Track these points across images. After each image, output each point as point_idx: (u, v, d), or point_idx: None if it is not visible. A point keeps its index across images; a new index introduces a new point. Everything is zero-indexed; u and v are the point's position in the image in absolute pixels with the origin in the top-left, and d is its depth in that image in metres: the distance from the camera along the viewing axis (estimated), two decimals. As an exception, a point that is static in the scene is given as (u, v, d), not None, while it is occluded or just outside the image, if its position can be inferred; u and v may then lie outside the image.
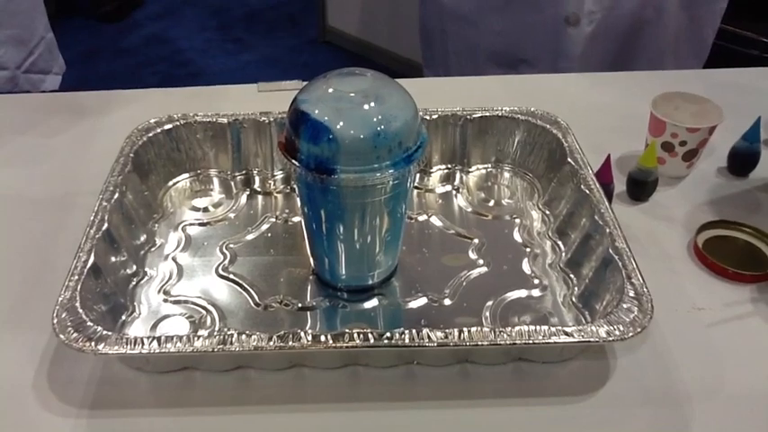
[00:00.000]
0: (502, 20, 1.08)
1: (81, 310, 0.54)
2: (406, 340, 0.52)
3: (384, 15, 2.45)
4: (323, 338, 0.52)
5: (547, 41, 1.06)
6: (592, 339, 0.52)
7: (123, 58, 2.69)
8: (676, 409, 0.54)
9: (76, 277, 0.56)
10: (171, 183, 0.75)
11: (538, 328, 0.52)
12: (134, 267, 0.64)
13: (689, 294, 0.63)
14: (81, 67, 2.56)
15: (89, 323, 0.53)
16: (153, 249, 0.67)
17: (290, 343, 0.51)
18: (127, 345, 0.51)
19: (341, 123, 0.52)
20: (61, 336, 0.52)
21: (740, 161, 0.77)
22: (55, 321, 0.53)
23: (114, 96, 0.93)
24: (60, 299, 0.54)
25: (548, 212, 0.71)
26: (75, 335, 0.52)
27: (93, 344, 0.51)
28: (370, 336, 0.52)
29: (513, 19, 1.07)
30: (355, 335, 0.52)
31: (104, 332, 0.52)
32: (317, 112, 0.53)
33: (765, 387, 0.56)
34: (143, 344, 0.51)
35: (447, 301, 0.62)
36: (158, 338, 0.52)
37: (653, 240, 0.69)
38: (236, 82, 0.94)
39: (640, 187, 0.73)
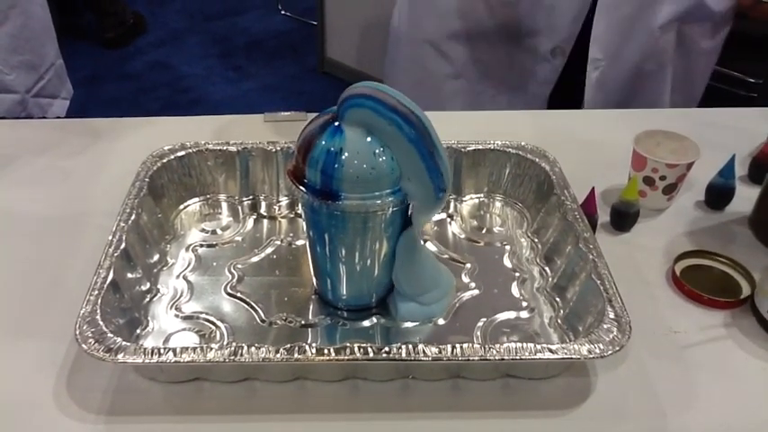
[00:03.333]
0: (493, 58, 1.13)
1: (101, 323, 0.58)
2: (403, 354, 0.56)
3: (379, 48, 2.52)
4: (326, 351, 0.56)
5: (526, 70, 1.10)
6: (574, 356, 0.56)
7: (126, 83, 2.74)
8: (652, 424, 0.58)
9: (97, 292, 0.60)
10: (182, 206, 0.79)
11: (525, 345, 0.57)
12: (148, 284, 0.68)
13: (666, 318, 0.68)
14: (84, 91, 2.61)
15: (109, 334, 0.57)
16: (165, 268, 0.72)
17: (296, 355, 0.56)
18: (144, 355, 0.55)
19: (346, 154, 0.57)
20: (83, 345, 0.56)
21: (716, 196, 0.82)
22: (77, 333, 0.57)
23: (126, 123, 0.98)
24: (82, 312, 0.58)
25: (536, 240, 0.75)
26: (96, 345, 0.56)
27: (113, 354, 0.55)
28: (369, 350, 0.56)
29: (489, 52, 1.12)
30: (356, 348, 0.56)
31: (123, 343, 0.56)
32: (324, 142, 0.58)
33: (736, 405, 0.60)
34: (159, 354, 0.55)
35: (441, 321, 0.66)
36: (174, 349, 0.56)
37: (634, 268, 0.73)
38: (237, 109, 0.98)
39: (623, 218, 0.77)
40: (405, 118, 0.56)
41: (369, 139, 0.58)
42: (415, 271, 0.65)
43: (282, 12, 3.19)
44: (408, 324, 0.66)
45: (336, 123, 0.59)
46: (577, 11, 1.02)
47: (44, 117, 1.22)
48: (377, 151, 0.58)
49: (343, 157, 0.57)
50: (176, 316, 0.66)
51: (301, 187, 0.60)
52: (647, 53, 1.07)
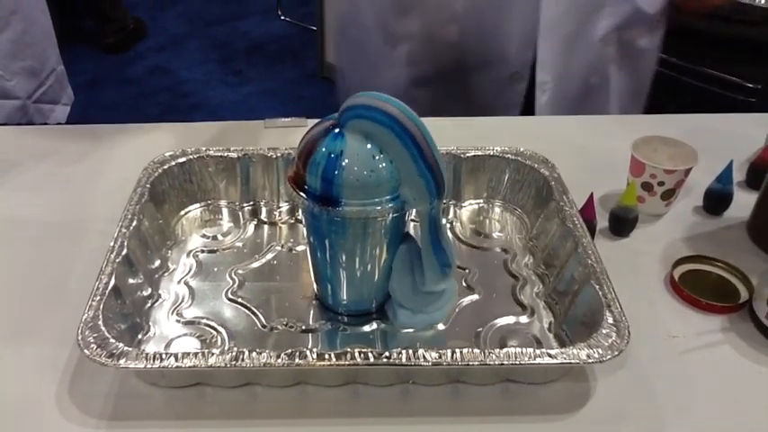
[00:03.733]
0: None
1: (103, 328, 0.58)
2: (403, 359, 0.56)
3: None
4: (327, 356, 0.56)
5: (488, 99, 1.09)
6: (573, 361, 0.57)
7: (126, 88, 2.76)
8: (651, 428, 0.59)
9: (99, 297, 0.61)
10: (183, 212, 0.79)
11: (524, 350, 0.57)
12: (149, 290, 0.69)
13: (665, 323, 0.68)
14: (84, 96, 2.61)
15: (111, 340, 0.57)
16: (166, 274, 0.72)
17: (297, 360, 0.56)
18: (146, 360, 0.56)
19: (346, 160, 0.58)
20: (86, 351, 0.56)
21: (714, 201, 0.82)
22: (79, 338, 0.57)
23: (127, 129, 0.98)
24: (84, 317, 0.59)
25: (535, 245, 0.76)
26: (98, 350, 0.56)
27: (114, 359, 0.56)
28: (370, 355, 0.57)
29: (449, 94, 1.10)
30: (356, 354, 0.57)
31: (125, 348, 0.57)
32: (324, 149, 0.59)
33: (734, 409, 0.60)
34: (161, 359, 0.56)
35: (441, 326, 0.67)
36: (175, 354, 0.56)
37: (632, 273, 0.74)
38: (237, 114, 1.00)
39: (621, 224, 0.78)
40: (403, 127, 0.56)
41: (369, 145, 0.58)
42: (412, 286, 0.65)
43: (282, 17, 3.21)
44: (408, 329, 0.66)
45: (337, 130, 0.59)
46: (526, 37, 1.01)
47: (45, 123, 1.23)
48: (377, 157, 0.58)
49: (344, 163, 0.58)
50: (177, 321, 0.67)
51: (302, 193, 0.61)
52: (591, 67, 1.07)
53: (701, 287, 0.71)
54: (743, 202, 0.82)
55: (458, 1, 1.00)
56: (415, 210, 0.62)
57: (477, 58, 1.05)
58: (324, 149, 0.59)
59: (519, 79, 1.05)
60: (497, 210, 0.82)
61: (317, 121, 0.62)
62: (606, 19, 1.03)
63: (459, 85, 1.09)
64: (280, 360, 0.56)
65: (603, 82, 1.09)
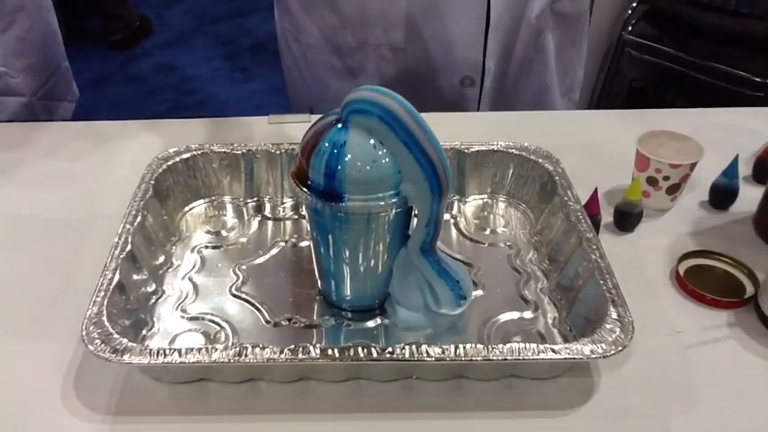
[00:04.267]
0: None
1: (107, 324, 0.58)
2: (407, 355, 0.56)
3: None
4: (330, 352, 0.56)
5: (444, 105, 1.07)
6: (577, 356, 0.57)
7: (132, 85, 2.76)
8: (656, 424, 0.59)
9: (103, 293, 0.61)
10: (187, 208, 0.80)
11: (527, 345, 0.57)
12: (154, 286, 0.69)
13: (669, 318, 0.68)
14: (91, 93, 2.63)
15: (115, 335, 0.57)
16: (171, 270, 0.72)
17: (301, 356, 0.56)
18: (150, 355, 0.56)
19: (349, 156, 0.58)
20: (90, 346, 0.56)
21: (720, 196, 0.82)
22: (84, 334, 0.57)
23: (132, 126, 0.98)
24: (88, 313, 0.59)
25: (539, 241, 0.76)
26: (102, 346, 0.56)
27: (119, 354, 0.56)
28: (373, 350, 0.57)
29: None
30: (360, 349, 0.57)
31: (129, 344, 0.57)
32: (327, 144, 0.59)
33: (738, 405, 0.60)
34: (165, 355, 0.56)
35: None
36: (179, 350, 0.56)
37: (637, 268, 0.73)
38: (243, 110, 0.99)
39: (626, 218, 0.78)
40: (401, 123, 0.56)
41: (372, 140, 0.58)
42: (424, 305, 0.65)
43: (288, 13, 3.20)
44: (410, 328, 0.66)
45: (340, 125, 0.59)
46: (473, 39, 1.00)
47: (50, 120, 1.23)
48: (380, 153, 0.58)
49: (347, 158, 0.58)
50: (182, 317, 0.67)
51: (305, 189, 0.60)
52: (529, 45, 1.05)
53: (706, 282, 0.71)
54: (749, 197, 0.81)
55: (400, 7, 0.98)
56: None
57: (421, 70, 1.04)
58: (326, 144, 0.58)
59: (470, 84, 1.04)
60: (501, 205, 0.81)
61: (320, 116, 0.62)
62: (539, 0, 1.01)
63: (411, 95, 1.07)
64: (283, 356, 0.56)
65: (540, 53, 1.07)
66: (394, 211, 0.61)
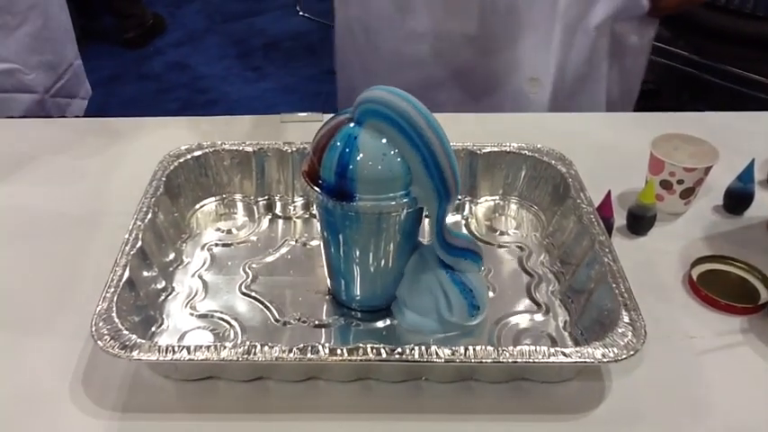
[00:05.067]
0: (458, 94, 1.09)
1: (117, 320, 0.58)
2: (416, 356, 0.56)
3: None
4: (339, 352, 0.56)
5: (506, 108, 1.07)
6: (588, 360, 0.56)
7: (145, 83, 2.77)
8: (666, 430, 0.58)
9: (113, 289, 0.61)
10: (198, 206, 0.80)
11: (538, 348, 0.56)
12: (163, 283, 0.69)
13: (682, 323, 0.67)
14: (104, 90, 2.64)
15: (124, 332, 0.57)
16: (181, 267, 0.72)
17: (309, 355, 0.56)
18: (159, 352, 0.56)
19: (361, 155, 0.57)
20: (99, 342, 0.56)
21: (735, 200, 0.81)
22: (93, 329, 0.57)
23: (144, 123, 0.99)
24: (98, 309, 0.59)
25: (551, 243, 0.75)
26: (111, 342, 0.56)
27: (128, 351, 0.56)
28: (382, 350, 0.56)
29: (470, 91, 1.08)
30: (369, 349, 0.56)
31: (138, 340, 0.57)
32: (338, 143, 0.58)
33: (750, 411, 0.60)
34: (174, 352, 0.56)
35: (454, 323, 0.66)
36: (188, 347, 0.56)
37: (650, 272, 0.73)
38: (255, 109, 0.99)
39: (639, 222, 0.77)
40: (413, 125, 0.56)
41: (383, 140, 0.58)
42: (437, 311, 0.64)
43: (300, 13, 3.21)
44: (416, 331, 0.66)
45: (352, 125, 0.59)
46: (540, 38, 1.00)
47: (63, 117, 1.24)
48: (392, 153, 0.58)
49: (358, 157, 0.57)
50: (191, 314, 0.67)
51: (316, 188, 0.60)
52: (585, 57, 1.05)
53: (719, 287, 0.70)
54: (764, 202, 0.80)
55: None
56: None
57: (493, 58, 1.03)
58: (338, 144, 0.58)
59: (536, 86, 1.03)
60: (513, 207, 0.81)
61: (332, 115, 0.62)
62: (603, 4, 1.01)
63: (475, 93, 1.08)
64: (292, 354, 0.56)
65: (594, 72, 1.07)
66: (405, 211, 0.60)
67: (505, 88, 1.06)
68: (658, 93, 1.94)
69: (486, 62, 1.04)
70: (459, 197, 0.80)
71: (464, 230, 0.78)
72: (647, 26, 1.10)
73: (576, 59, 1.05)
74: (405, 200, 0.59)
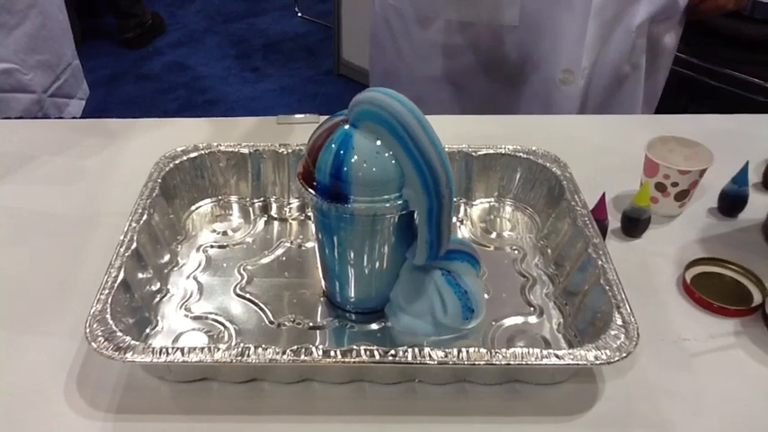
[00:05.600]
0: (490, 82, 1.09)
1: (111, 322, 0.58)
2: (409, 358, 0.56)
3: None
4: (333, 354, 0.56)
5: (539, 103, 1.08)
6: (580, 362, 0.56)
7: (144, 83, 2.77)
8: (659, 432, 0.58)
9: (107, 291, 0.61)
10: (194, 207, 0.80)
11: (531, 350, 0.56)
12: (158, 284, 0.69)
13: (676, 325, 0.67)
14: (103, 90, 2.64)
15: (118, 333, 0.57)
16: (176, 268, 0.72)
17: (303, 357, 0.56)
18: (153, 354, 0.56)
19: (355, 157, 0.58)
20: (93, 344, 0.56)
21: (729, 203, 0.81)
22: (87, 331, 0.57)
23: (140, 124, 0.99)
24: (92, 310, 0.59)
25: (545, 245, 0.75)
26: (105, 343, 0.56)
27: (121, 352, 0.56)
28: (376, 352, 0.56)
29: (504, 81, 1.09)
30: (363, 351, 0.56)
31: (132, 342, 0.57)
32: (333, 145, 0.59)
33: (745, 414, 0.60)
34: (167, 353, 0.56)
35: (448, 325, 0.66)
36: (182, 349, 0.56)
37: (644, 274, 0.73)
38: (253, 110, 1.00)
39: (634, 224, 0.77)
40: (406, 128, 0.56)
41: (378, 142, 0.58)
42: (430, 312, 0.65)
43: (299, 14, 3.21)
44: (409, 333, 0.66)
45: (346, 126, 0.59)
46: (578, 31, 1.00)
47: (60, 117, 1.24)
48: (386, 155, 0.58)
49: (353, 159, 0.57)
50: (186, 316, 0.67)
51: (310, 190, 0.60)
52: (624, 56, 1.05)
53: (713, 290, 0.70)
54: (758, 204, 0.81)
55: None
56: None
57: (531, 49, 1.03)
58: (332, 146, 0.58)
59: (570, 80, 1.03)
60: (508, 209, 0.81)
61: (327, 117, 0.62)
62: (645, 5, 1.02)
63: (508, 85, 1.08)
64: (285, 356, 0.56)
65: (634, 73, 1.08)
66: (399, 213, 0.60)
67: (538, 79, 1.06)
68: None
69: (521, 52, 1.05)
70: (455, 199, 0.80)
71: (459, 232, 0.78)
72: (679, 27, 1.11)
73: (615, 57, 1.05)
74: (399, 202, 0.59)
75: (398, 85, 0.58)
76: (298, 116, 0.97)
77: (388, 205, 0.59)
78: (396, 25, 1.10)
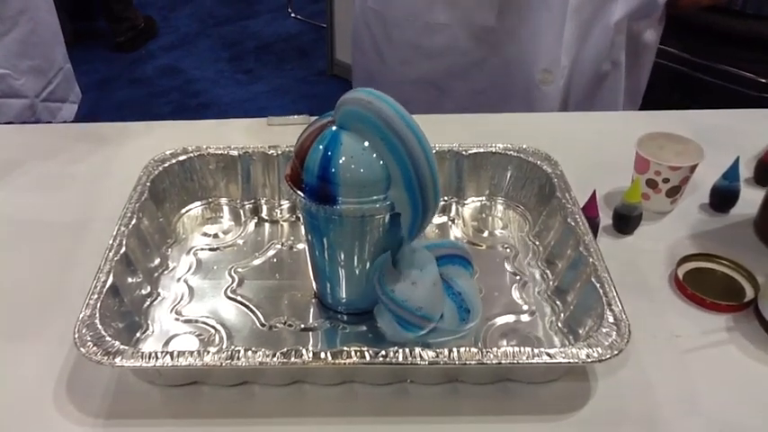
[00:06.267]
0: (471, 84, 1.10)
1: (100, 327, 0.58)
2: (400, 358, 0.56)
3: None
4: (323, 355, 0.56)
5: (519, 103, 1.07)
6: (572, 360, 0.56)
7: (137, 87, 2.77)
8: (653, 429, 0.58)
9: (96, 296, 0.61)
10: (184, 210, 0.79)
11: (522, 349, 0.56)
12: (149, 288, 0.68)
13: (668, 322, 0.67)
14: (96, 94, 2.64)
15: (107, 338, 0.57)
16: (166, 272, 0.72)
17: (293, 359, 0.56)
18: (142, 358, 0.56)
19: (343, 158, 0.57)
20: (82, 349, 0.56)
21: (721, 198, 0.81)
22: (76, 336, 0.57)
23: (130, 128, 0.98)
24: (81, 315, 0.59)
25: (537, 243, 0.75)
26: (94, 349, 0.56)
27: (111, 357, 0.56)
28: (366, 353, 0.56)
29: (484, 82, 1.09)
30: (353, 352, 0.56)
31: (121, 346, 0.56)
32: (320, 147, 0.58)
33: (737, 410, 0.60)
34: (157, 358, 0.56)
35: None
36: (171, 353, 0.56)
37: (636, 271, 0.73)
38: (247, 112, 0.99)
39: (625, 221, 0.77)
40: (394, 130, 0.56)
41: (366, 143, 0.58)
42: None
43: (292, 15, 3.21)
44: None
45: (333, 128, 0.59)
46: (556, 30, 1.00)
47: (52, 121, 1.23)
48: (374, 156, 0.57)
49: (340, 161, 0.57)
50: (176, 319, 0.67)
51: (299, 191, 0.60)
52: (603, 53, 1.05)
53: (705, 286, 0.70)
54: (750, 200, 0.80)
55: None
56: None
57: (509, 49, 1.03)
58: (320, 147, 0.58)
59: (549, 79, 1.03)
60: (499, 207, 0.81)
61: (315, 118, 0.62)
62: (623, 2, 1.02)
63: (488, 86, 1.08)
64: (275, 359, 0.56)
65: (614, 70, 1.08)
66: (388, 213, 0.60)
67: (518, 80, 1.06)
68: (648, 91, 1.94)
69: (499, 53, 1.05)
70: (445, 198, 0.80)
71: (450, 231, 0.78)
72: (659, 22, 1.11)
73: (594, 55, 1.05)
74: (387, 202, 0.59)
75: (381, 88, 0.58)
76: (288, 117, 0.97)
77: (376, 206, 0.59)
78: (376, 28, 1.11)
